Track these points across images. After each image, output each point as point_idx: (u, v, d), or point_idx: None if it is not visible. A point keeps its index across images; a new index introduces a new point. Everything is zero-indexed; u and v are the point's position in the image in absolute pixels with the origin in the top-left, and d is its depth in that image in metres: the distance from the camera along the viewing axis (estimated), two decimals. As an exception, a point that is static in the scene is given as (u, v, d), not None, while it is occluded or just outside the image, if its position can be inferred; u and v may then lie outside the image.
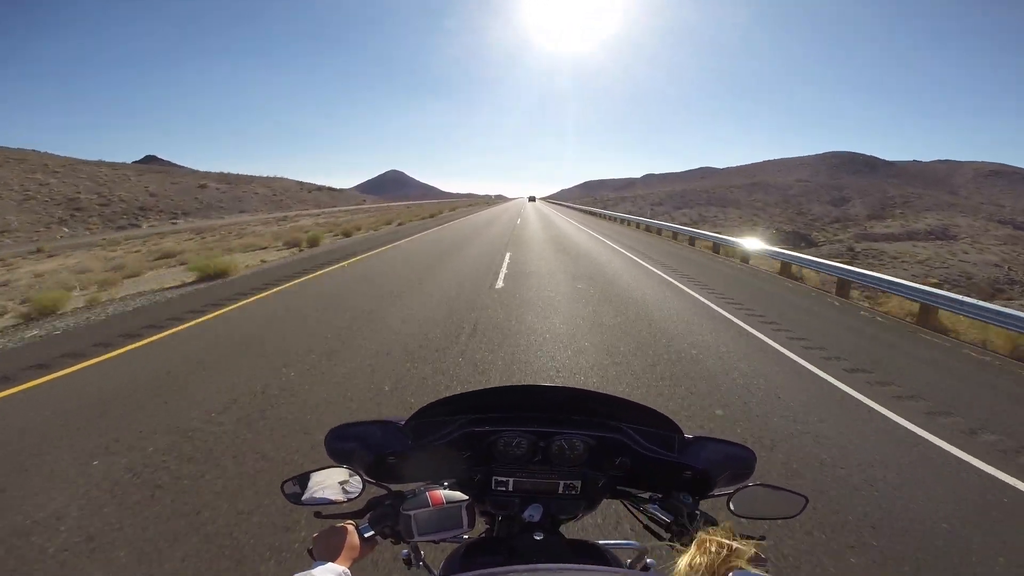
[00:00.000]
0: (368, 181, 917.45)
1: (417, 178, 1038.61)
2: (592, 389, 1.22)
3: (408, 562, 0.96)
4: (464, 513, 0.83)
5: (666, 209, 68.40)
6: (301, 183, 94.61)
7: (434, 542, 0.86)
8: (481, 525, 1.03)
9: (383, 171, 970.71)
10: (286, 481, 0.88)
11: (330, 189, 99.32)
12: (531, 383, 1.18)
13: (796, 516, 0.90)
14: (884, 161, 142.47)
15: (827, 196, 78.62)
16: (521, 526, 0.94)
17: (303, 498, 0.86)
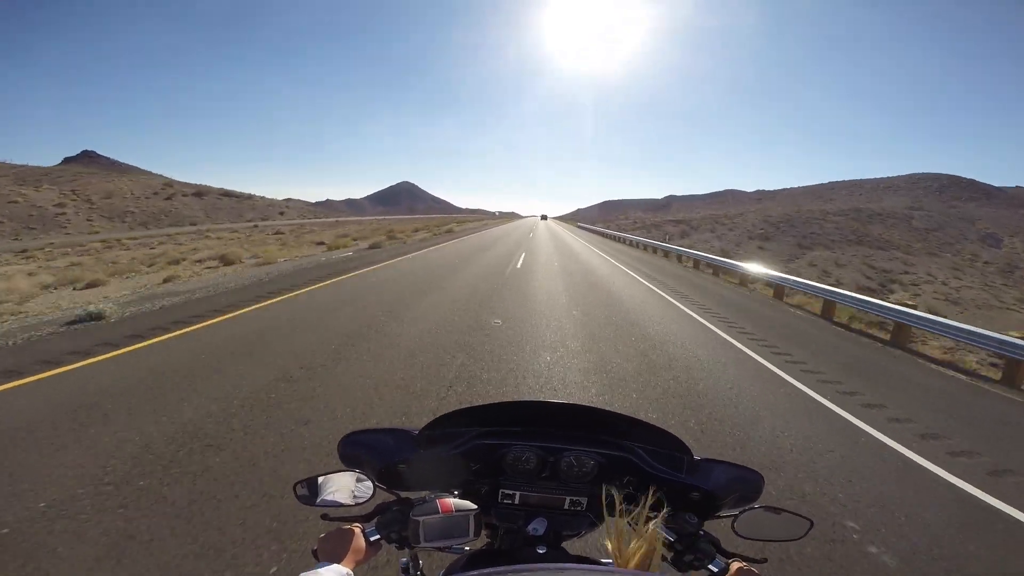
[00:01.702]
0: (379, 192, 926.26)
1: (429, 191, 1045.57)
2: (603, 407, 1.11)
3: (406, 571, 0.98)
4: (472, 522, 0.86)
5: (785, 247, 42.25)
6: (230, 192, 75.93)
7: (439, 549, 0.90)
8: (484, 537, 1.03)
9: (395, 182, 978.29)
10: (298, 482, 0.92)
11: (250, 197, 76.05)
12: (542, 399, 0.88)
13: (800, 539, 0.91)
14: (994, 187, 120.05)
15: (967, 231, 63.21)
16: (524, 540, 0.96)
17: (315, 500, 0.91)
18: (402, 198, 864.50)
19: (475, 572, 0.62)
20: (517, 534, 0.99)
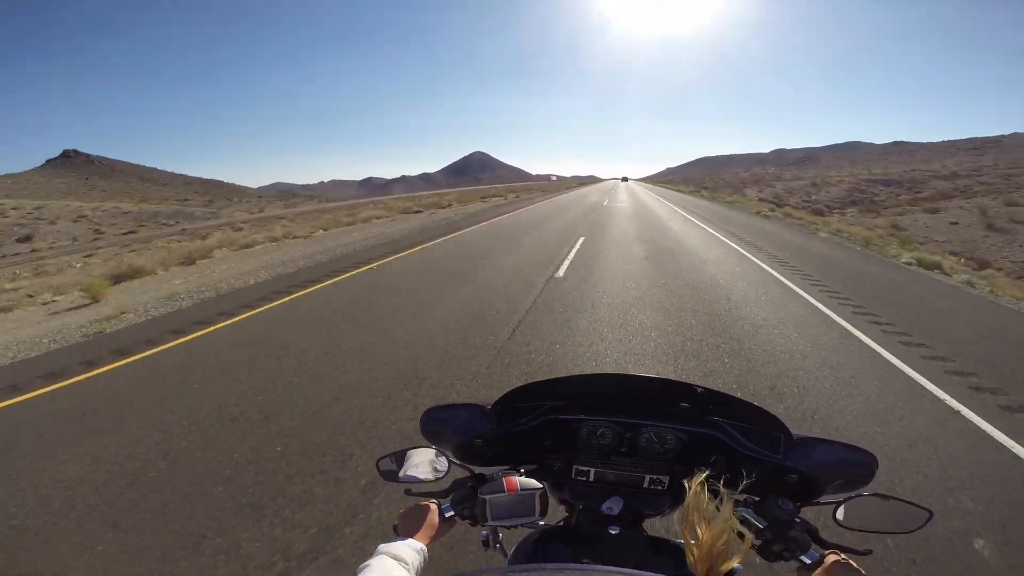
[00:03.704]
0: (452, 164, 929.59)
1: (503, 159, 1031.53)
2: (689, 381, 1.06)
3: (486, 543, 1.02)
4: (537, 501, 0.88)
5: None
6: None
7: (506, 527, 0.92)
8: (561, 513, 1.06)
9: (467, 153, 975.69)
10: (382, 458, 0.97)
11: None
12: (619, 371, 0.97)
13: (914, 531, 0.84)
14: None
15: None
16: (600, 518, 0.94)
17: (397, 475, 0.96)
18: (474, 168, 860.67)
19: (479, 571, 0.67)
20: (592, 512, 0.96)
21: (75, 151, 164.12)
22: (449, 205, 27.19)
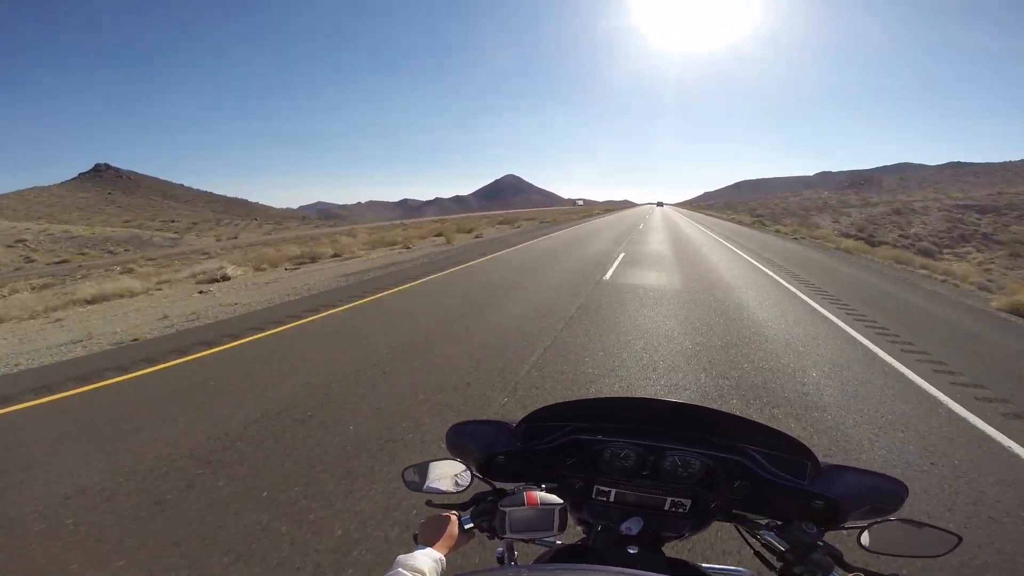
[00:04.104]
0: (484, 188, 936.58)
1: (534, 183, 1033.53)
2: (715, 407, 1.08)
3: (501, 560, 1.04)
4: (557, 516, 0.88)
5: None
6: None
7: (524, 541, 0.93)
8: (579, 532, 1.07)
9: (499, 176, 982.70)
10: (407, 468, 1.01)
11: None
12: (646, 396, 1.16)
13: (941, 556, 0.84)
14: None
15: None
16: (619, 538, 0.94)
17: (422, 486, 0.99)
18: (506, 192, 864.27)
19: (482, 571, 0.71)
20: (611, 532, 0.96)
21: (106, 165, 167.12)
22: (395, 245, 19.16)
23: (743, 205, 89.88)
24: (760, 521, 0.99)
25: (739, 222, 40.94)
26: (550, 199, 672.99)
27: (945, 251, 29.08)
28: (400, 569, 0.75)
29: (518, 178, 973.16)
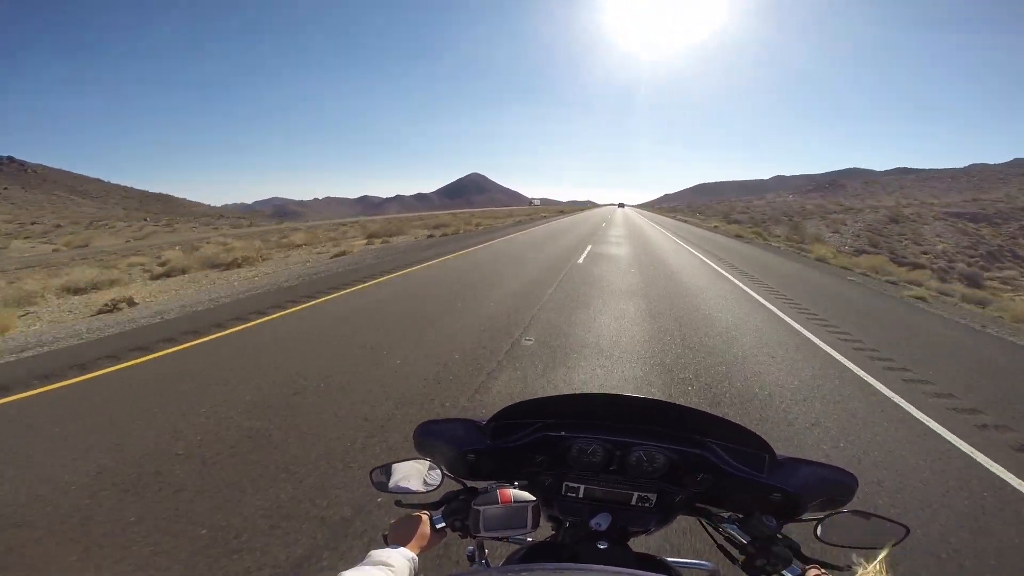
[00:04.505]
0: (448, 186, 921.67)
1: (499, 182, 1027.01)
2: (676, 402, 1.15)
3: (472, 559, 1.04)
4: (530, 514, 0.88)
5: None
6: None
7: (497, 539, 0.93)
8: (548, 530, 1.07)
9: (463, 175, 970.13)
10: (374, 469, 1.00)
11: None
12: (611, 392, 1.09)
13: (893, 547, 0.83)
14: None
15: None
16: (587, 534, 0.96)
17: (388, 486, 0.98)
18: (470, 190, 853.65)
19: (474, 570, 0.67)
20: (580, 528, 0.98)
21: (10, 158, 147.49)
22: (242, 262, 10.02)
23: (709, 208, 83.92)
24: (723, 515, 1.01)
25: (710, 227, 33.05)
26: (514, 198, 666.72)
27: (988, 275, 22.59)
28: (366, 566, 0.75)
29: (483, 176, 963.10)
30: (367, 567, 0.75)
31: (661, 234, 24.78)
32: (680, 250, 16.93)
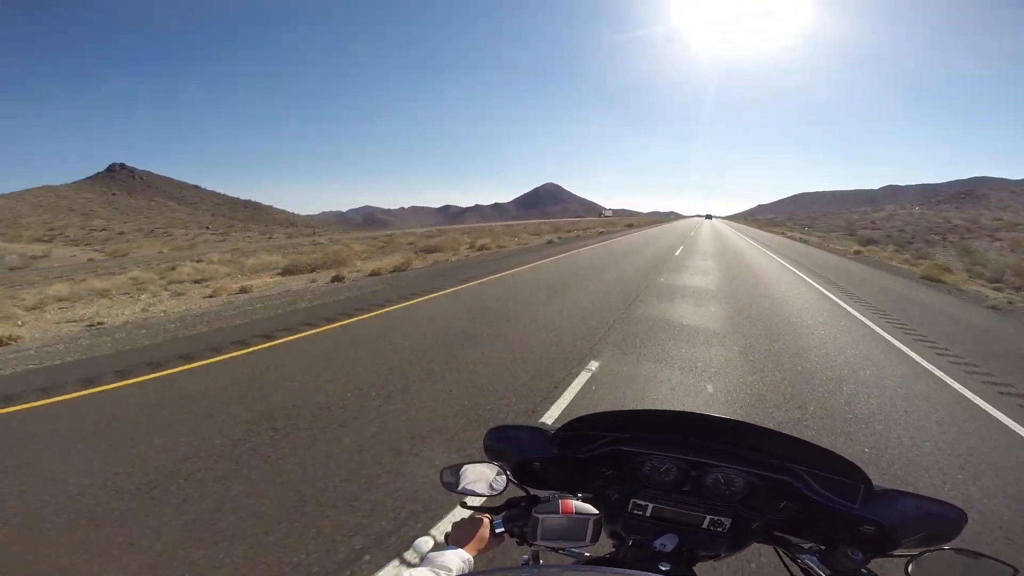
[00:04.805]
0: (523, 196, 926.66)
1: (575, 192, 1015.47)
2: (765, 425, 1.02)
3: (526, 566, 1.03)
4: (591, 527, 0.88)
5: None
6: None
7: (554, 549, 0.92)
8: (607, 546, 1.03)
9: (538, 184, 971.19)
10: (445, 469, 1.02)
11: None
12: (690, 410, 1.07)
13: None
14: None
15: None
16: (650, 554, 0.91)
17: (456, 487, 1.00)
18: (545, 200, 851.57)
19: (488, 571, 0.70)
20: (642, 548, 0.93)
21: (121, 165, 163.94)
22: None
23: (819, 221, 70.85)
24: (803, 545, 0.95)
25: (865, 259, 22.58)
26: (589, 209, 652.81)
27: None
28: (424, 568, 0.78)
29: (558, 186, 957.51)
30: (424, 569, 0.77)
31: (782, 271, 15.18)
32: (872, 336, 7.26)
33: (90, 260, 36.55)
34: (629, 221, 67.08)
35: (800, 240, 36.15)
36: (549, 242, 24.97)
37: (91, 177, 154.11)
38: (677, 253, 19.17)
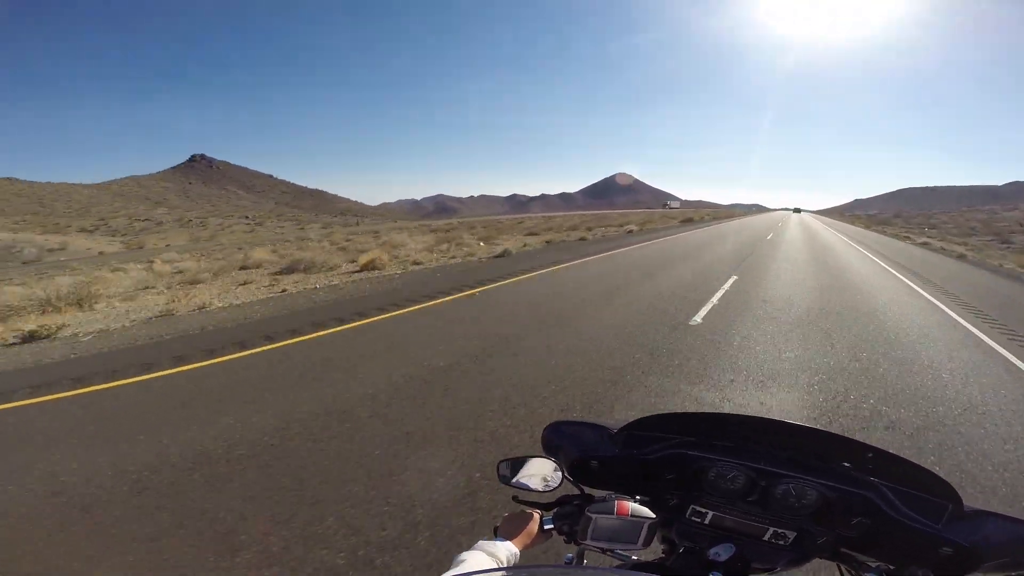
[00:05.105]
0: (591, 185, 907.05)
1: (647, 182, 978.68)
2: (848, 436, 0.96)
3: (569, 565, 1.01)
4: (644, 531, 0.86)
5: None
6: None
7: (601, 550, 0.91)
8: (659, 551, 1.00)
9: (609, 174, 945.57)
10: (502, 461, 1.02)
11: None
12: (764, 416, 1.06)
13: None
14: None
15: None
16: (703, 563, 0.87)
17: (511, 480, 1.00)
18: (613, 191, 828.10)
19: (487, 570, 0.69)
20: (695, 556, 0.90)
21: (201, 155, 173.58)
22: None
23: (947, 221, 58.37)
24: (869, 563, 0.89)
25: None
26: (661, 199, 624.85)
27: None
28: (478, 549, 0.81)
29: (628, 176, 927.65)
30: (476, 552, 0.79)
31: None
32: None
33: (101, 254, 35.11)
34: (690, 215, 57.89)
35: (937, 248, 24.77)
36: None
37: (174, 167, 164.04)
38: (731, 280, 12.36)
